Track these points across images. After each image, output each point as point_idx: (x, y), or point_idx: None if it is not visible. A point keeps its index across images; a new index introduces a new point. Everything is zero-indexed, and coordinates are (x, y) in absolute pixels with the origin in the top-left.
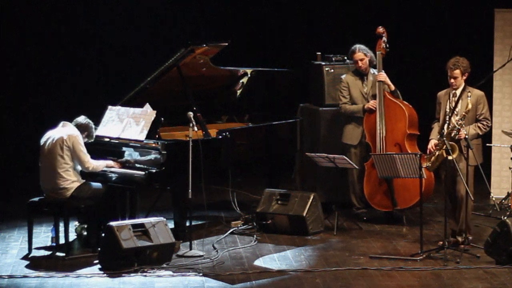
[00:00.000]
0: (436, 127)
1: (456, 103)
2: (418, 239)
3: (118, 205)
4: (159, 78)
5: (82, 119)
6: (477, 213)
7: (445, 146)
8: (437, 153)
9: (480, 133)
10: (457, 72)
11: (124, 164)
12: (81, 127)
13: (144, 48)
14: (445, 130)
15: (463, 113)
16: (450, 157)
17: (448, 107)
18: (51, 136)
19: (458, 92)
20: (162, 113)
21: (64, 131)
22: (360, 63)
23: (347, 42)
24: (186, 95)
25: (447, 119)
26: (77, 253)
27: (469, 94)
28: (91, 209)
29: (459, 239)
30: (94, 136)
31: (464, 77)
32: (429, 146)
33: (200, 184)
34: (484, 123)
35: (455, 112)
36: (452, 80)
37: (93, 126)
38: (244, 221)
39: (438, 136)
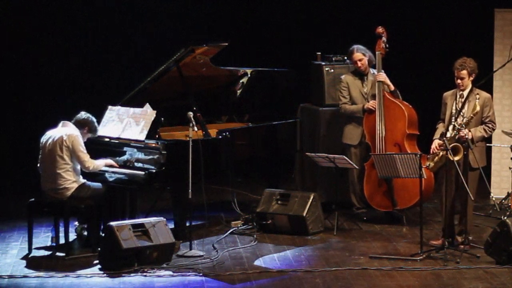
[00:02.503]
0: (440, 127)
1: (463, 104)
2: (418, 239)
3: (118, 205)
4: (159, 78)
5: (81, 114)
6: (477, 213)
7: (448, 147)
8: (441, 153)
9: (486, 136)
10: (464, 72)
11: (123, 164)
12: (81, 123)
13: (144, 48)
14: (450, 132)
15: (471, 115)
16: (452, 158)
17: (454, 108)
18: (51, 136)
19: (465, 93)
20: (162, 113)
21: (64, 131)
22: (359, 63)
23: (347, 42)
24: (186, 95)
25: (453, 120)
26: (77, 253)
27: (477, 96)
28: (91, 209)
29: (459, 239)
30: (97, 129)
31: (471, 78)
32: (433, 146)
33: (200, 184)
34: (490, 125)
35: (461, 114)
36: (459, 81)
37: (94, 120)
38: (244, 221)
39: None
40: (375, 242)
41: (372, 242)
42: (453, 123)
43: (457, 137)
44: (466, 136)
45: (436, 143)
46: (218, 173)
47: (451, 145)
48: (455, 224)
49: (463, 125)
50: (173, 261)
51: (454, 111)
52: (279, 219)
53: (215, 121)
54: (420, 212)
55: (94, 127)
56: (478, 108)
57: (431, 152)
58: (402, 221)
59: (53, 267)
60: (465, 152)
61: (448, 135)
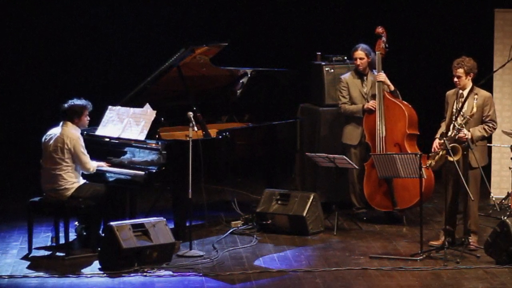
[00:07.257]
0: (443, 126)
1: (463, 104)
2: (418, 239)
3: (118, 205)
4: (159, 78)
5: (64, 107)
6: (477, 213)
7: (448, 147)
8: (440, 152)
9: (486, 135)
10: (460, 71)
11: (123, 164)
12: (72, 113)
13: (144, 48)
14: (451, 131)
15: (468, 116)
16: (450, 159)
17: (454, 107)
18: (52, 136)
19: (465, 93)
20: (162, 113)
21: (65, 132)
22: (358, 61)
23: (347, 42)
24: (186, 95)
25: (453, 119)
26: (77, 253)
27: (475, 96)
28: (91, 209)
29: (470, 238)
30: (88, 104)
31: (469, 77)
32: (434, 145)
33: (200, 184)
34: (490, 125)
35: (461, 113)
36: (456, 79)
37: (75, 101)
38: (244, 221)
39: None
40: (375, 242)
41: (372, 242)
42: (453, 122)
43: (456, 137)
44: (466, 137)
45: (437, 142)
46: (218, 173)
47: (450, 145)
48: (458, 224)
49: (463, 125)
50: (173, 261)
51: (454, 110)
52: (279, 219)
53: (215, 121)
54: (420, 212)
55: (81, 106)
56: (475, 109)
57: (433, 150)
58: (402, 221)
59: (53, 267)
60: (464, 152)
61: (449, 134)
